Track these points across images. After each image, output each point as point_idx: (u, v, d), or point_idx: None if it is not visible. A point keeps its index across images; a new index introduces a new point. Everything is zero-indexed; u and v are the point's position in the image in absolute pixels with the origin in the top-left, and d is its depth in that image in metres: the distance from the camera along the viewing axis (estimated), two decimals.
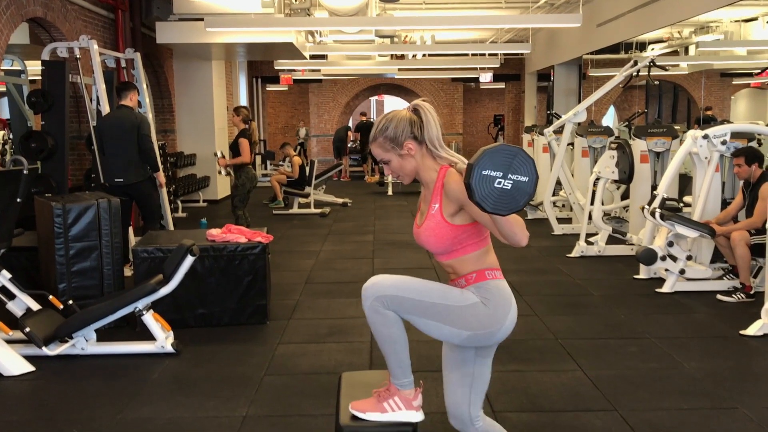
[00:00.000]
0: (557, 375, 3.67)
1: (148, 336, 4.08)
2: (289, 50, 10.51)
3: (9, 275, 4.32)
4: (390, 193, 13.20)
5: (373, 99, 28.07)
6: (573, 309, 4.97)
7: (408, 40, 14.64)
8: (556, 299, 5.24)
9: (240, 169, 7.08)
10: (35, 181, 6.72)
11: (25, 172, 4.03)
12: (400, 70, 15.76)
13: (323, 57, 14.89)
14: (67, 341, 3.98)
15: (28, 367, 3.78)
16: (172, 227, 8.17)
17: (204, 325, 4.59)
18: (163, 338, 4.03)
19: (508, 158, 1.88)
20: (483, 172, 1.87)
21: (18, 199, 4.05)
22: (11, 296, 4.31)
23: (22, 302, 4.31)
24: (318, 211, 10.28)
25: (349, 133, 17.08)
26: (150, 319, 4.04)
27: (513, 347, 4.11)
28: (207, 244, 4.60)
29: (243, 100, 16.88)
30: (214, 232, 4.73)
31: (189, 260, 3.97)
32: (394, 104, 29.27)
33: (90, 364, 3.91)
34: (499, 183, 1.87)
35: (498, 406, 3.30)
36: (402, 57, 15.99)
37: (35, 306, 4.32)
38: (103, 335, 4.22)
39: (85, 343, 4.02)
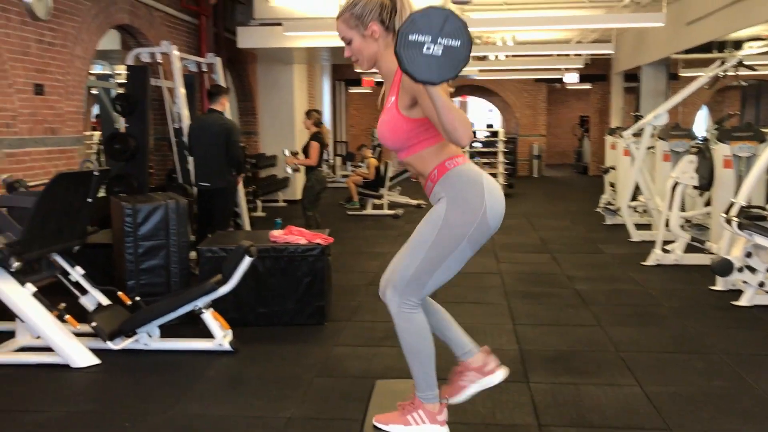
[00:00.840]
0: (613, 390, 3.54)
1: (209, 334, 4.19)
2: None
3: (82, 271, 4.55)
4: None
5: (457, 100, 27.91)
6: (640, 320, 4.78)
7: (489, 41, 14.49)
8: (624, 309, 5.05)
9: (310, 172, 7.19)
10: (117, 180, 7.05)
11: (95, 173, 4.23)
12: (481, 71, 15.59)
13: None
14: (131, 336, 4.14)
15: (94, 360, 3.96)
16: (248, 227, 8.39)
17: (264, 324, 4.69)
18: (221, 336, 4.13)
19: (436, 21, 1.75)
20: (410, 38, 1.74)
21: (89, 200, 4.25)
22: (84, 291, 4.55)
23: (94, 297, 4.54)
24: (391, 212, 10.31)
25: None
26: (209, 318, 4.16)
27: (570, 359, 3.99)
28: (268, 245, 4.69)
29: (326, 103, 17.16)
30: (276, 234, 4.82)
31: (247, 261, 4.06)
32: (478, 105, 29.01)
33: (151, 359, 4.06)
34: (429, 48, 1.73)
35: (546, 419, 3.20)
36: (483, 58, 15.83)
37: (105, 301, 4.54)
38: (168, 331, 4.37)
39: (148, 338, 4.17)
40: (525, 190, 14.34)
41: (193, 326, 4.52)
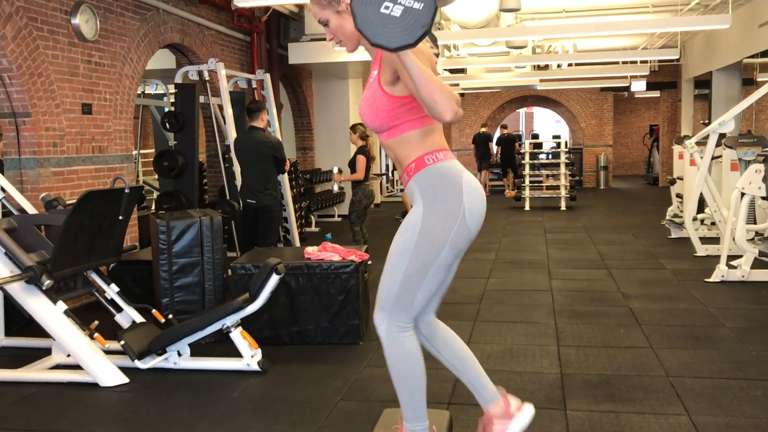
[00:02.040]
0: (657, 419, 3.26)
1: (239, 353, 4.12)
2: None
3: (117, 289, 4.56)
4: (527, 208, 12.76)
5: (522, 111, 27.46)
6: (696, 342, 4.44)
7: (551, 50, 14.16)
8: (679, 330, 4.72)
9: (357, 186, 7.09)
10: (167, 197, 7.13)
11: (126, 191, 4.23)
12: (542, 81, 15.24)
13: (462, 71, 14.75)
14: (161, 355, 4.10)
15: (123, 379, 3.93)
16: (297, 242, 8.36)
17: (298, 343, 4.59)
18: (249, 356, 4.05)
19: None
20: None
21: (120, 217, 4.25)
22: (119, 309, 4.55)
23: (128, 315, 4.54)
24: None
25: (490, 145, 16.70)
26: (238, 337, 4.08)
27: (614, 384, 3.72)
28: (302, 262, 4.60)
29: None
30: (310, 250, 4.73)
31: (274, 279, 3.96)
32: (544, 116, 28.47)
33: (179, 379, 4.01)
34: (387, 8, 1.57)
35: None
36: (546, 67, 15.49)
37: (139, 319, 4.53)
38: (201, 349, 4.33)
39: (178, 357, 4.12)
40: (589, 203, 13.88)
41: (228, 345, 4.46)
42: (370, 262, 7.21)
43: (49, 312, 3.95)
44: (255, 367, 4.04)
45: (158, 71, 9.52)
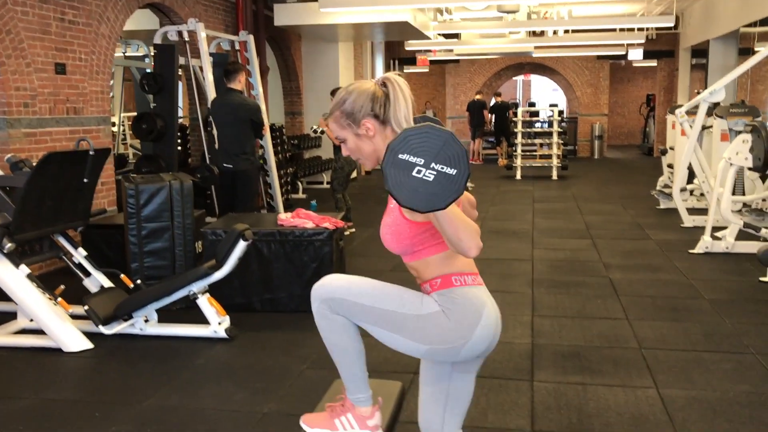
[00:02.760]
0: (625, 392, 3.20)
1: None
2: (409, 30, 10.27)
3: (85, 253, 4.47)
4: (518, 177, 12.65)
5: (519, 79, 27.15)
6: (673, 314, 4.37)
7: (547, 16, 13.91)
8: (658, 302, 4.65)
9: (338, 152, 6.97)
10: (146, 161, 7.01)
11: (91, 153, 4.11)
12: (537, 48, 15.00)
13: (456, 36, 14.51)
14: (126, 320, 4.02)
15: (87, 345, 3.86)
16: (282, 209, 8.25)
17: (270, 310, 4.52)
18: (216, 323, 3.98)
19: (434, 143, 1.52)
20: (400, 156, 1.52)
21: (85, 180, 4.14)
22: (87, 273, 4.47)
23: (97, 280, 4.46)
24: None
25: (485, 112, 16.52)
26: (205, 303, 4.00)
27: (584, 355, 3.66)
28: (274, 228, 4.50)
29: None
30: (283, 217, 4.63)
31: (242, 245, 3.87)
32: (542, 85, 28.18)
33: (145, 345, 3.94)
34: (419, 172, 1.52)
35: (541, 424, 2.91)
36: (541, 34, 15.22)
37: (108, 284, 4.45)
38: (169, 316, 4.25)
39: (144, 323, 4.05)
40: (581, 172, 13.76)
41: (198, 312, 4.38)
42: (351, 231, 7.16)
43: (11, 276, 3.86)
44: (222, 334, 3.97)
45: (143, 32, 9.32)
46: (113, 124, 9.76)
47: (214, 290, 4.21)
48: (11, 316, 4.28)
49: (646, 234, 7.06)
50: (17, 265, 3.89)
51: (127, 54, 10.11)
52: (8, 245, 3.81)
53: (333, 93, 6.94)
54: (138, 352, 3.84)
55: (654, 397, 3.14)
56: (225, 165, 5.95)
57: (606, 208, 8.87)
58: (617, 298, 4.72)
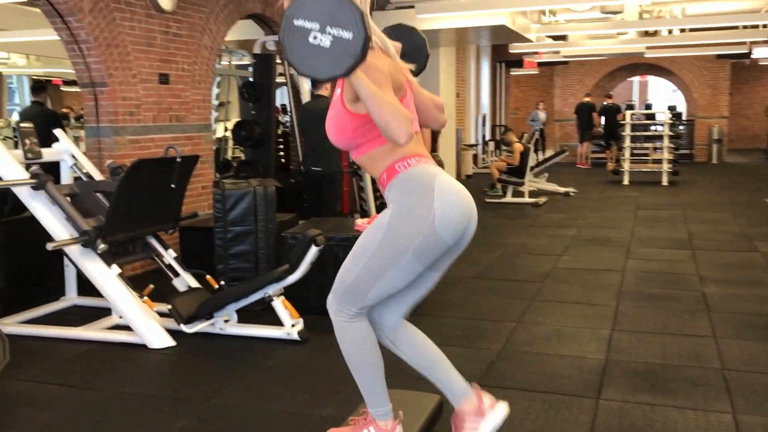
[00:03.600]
0: (696, 415, 3.02)
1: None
2: (510, 33, 10.13)
3: (174, 254, 4.72)
4: (625, 182, 12.18)
5: (635, 80, 26.09)
6: (767, 334, 4.09)
7: (660, 14, 13.30)
8: (752, 320, 4.36)
9: None
10: (245, 166, 7.30)
11: (178, 160, 4.34)
12: (648, 48, 14.36)
13: (562, 38, 14.16)
14: (208, 320, 4.22)
15: (170, 342, 4.07)
16: (374, 213, 8.36)
17: None
18: (289, 325, 4.10)
19: (326, 6, 1.51)
20: (295, 22, 1.52)
21: (173, 185, 4.38)
22: (176, 274, 4.72)
23: (185, 280, 4.70)
24: (531, 200, 9.81)
25: (594, 115, 16.00)
26: (279, 306, 4.13)
27: (659, 374, 3.49)
28: (350, 234, 4.58)
29: (484, 86, 16.77)
30: (360, 222, 4.70)
31: (313, 250, 3.96)
32: (660, 86, 26.93)
33: (223, 345, 4.11)
34: (315, 38, 1.51)
35: None
36: (654, 34, 14.57)
37: (195, 284, 4.68)
38: (252, 316, 4.40)
39: (224, 323, 4.23)
40: (695, 178, 13.07)
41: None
42: None
43: (103, 275, 4.14)
44: (295, 336, 4.08)
45: (249, 42, 9.70)
46: (226, 130, 10.23)
47: (291, 293, 4.34)
48: (107, 311, 4.59)
49: (754, 246, 6.61)
50: (109, 265, 4.16)
51: (231, 62, 10.57)
52: (101, 246, 4.09)
53: None
54: (215, 351, 4.02)
55: (728, 422, 2.95)
56: (313, 168, 6.11)
57: (714, 217, 8.38)
58: (707, 314, 4.46)
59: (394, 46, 2.04)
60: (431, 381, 2.32)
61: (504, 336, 4.12)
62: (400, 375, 2.79)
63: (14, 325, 4.41)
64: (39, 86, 7.50)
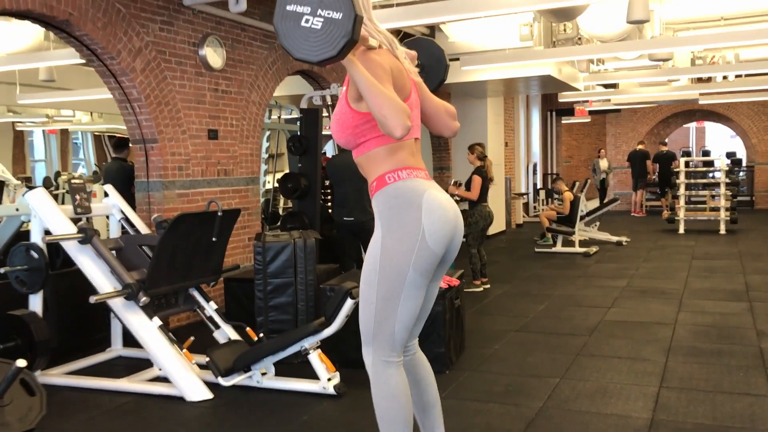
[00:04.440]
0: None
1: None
2: (557, 83, 10.10)
3: (215, 306, 4.77)
4: (681, 231, 11.85)
5: (691, 126, 25.62)
6: None
7: (715, 60, 13.10)
8: None
9: (473, 207, 6.96)
10: (291, 217, 7.38)
11: (219, 214, 4.42)
12: (702, 95, 14.11)
13: (614, 86, 14.05)
14: (246, 372, 4.22)
15: (207, 395, 4.08)
16: None
17: None
18: (325, 379, 4.06)
19: None
20: (288, 8, 1.56)
21: (213, 239, 4.45)
22: (217, 326, 4.76)
23: (225, 332, 4.73)
24: (582, 250, 9.61)
25: (648, 162, 15.71)
26: (315, 359, 4.11)
27: (696, 342, 3.31)
28: None
29: (535, 135, 16.71)
30: None
31: (349, 303, 3.95)
32: (718, 132, 26.38)
33: (259, 398, 4.10)
34: (307, 21, 1.54)
35: None
36: (708, 80, 14.34)
37: (235, 336, 4.70)
38: (289, 369, 4.38)
39: (261, 376, 4.22)
40: (754, 226, 12.63)
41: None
42: (485, 287, 7.02)
43: (144, 327, 4.21)
44: (331, 390, 4.04)
45: (297, 97, 9.94)
46: (276, 182, 10.42)
47: (329, 346, 4.32)
48: (150, 363, 4.65)
49: None
50: (151, 317, 4.23)
51: (281, 117, 10.82)
52: (143, 299, 4.17)
53: (470, 148, 7.03)
54: (251, 405, 4.01)
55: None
56: (345, 219, 6.22)
57: None
58: (764, 371, 4.24)
59: (408, 54, 2.09)
60: (419, 424, 2.31)
61: (546, 393, 4.00)
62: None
63: (59, 375, 4.50)
64: (122, 143, 7.68)
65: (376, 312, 1.99)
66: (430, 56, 2.33)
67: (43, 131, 14.73)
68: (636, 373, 4.31)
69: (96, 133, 15.10)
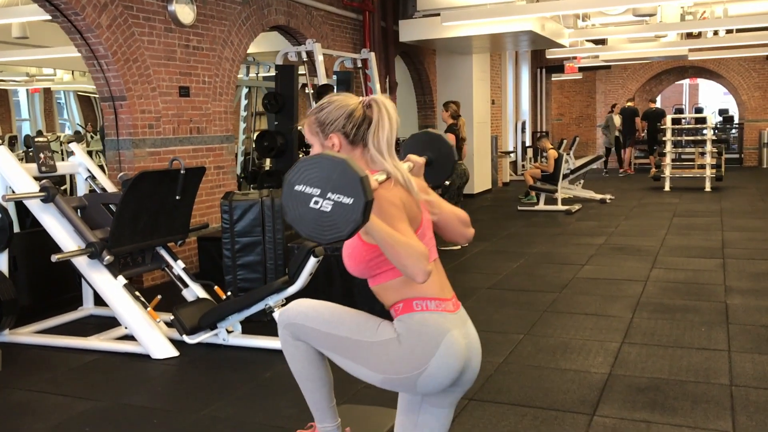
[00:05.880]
0: None
1: None
2: (540, 39, 9.97)
3: (183, 265, 4.77)
4: (666, 189, 11.85)
5: (685, 83, 25.44)
6: None
7: (705, 16, 12.93)
8: None
9: None
10: (268, 176, 7.35)
11: (182, 172, 4.38)
12: (691, 50, 13.97)
13: (602, 42, 13.90)
14: (212, 330, 4.23)
15: (173, 352, 4.11)
16: None
17: None
18: None
19: (328, 172, 1.49)
20: (296, 188, 1.51)
21: (177, 197, 4.42)
22: (185, 284, 4.76)
23: (193, 291, 4.74)
24: (564, 208, 9.61)
25: (637, 120, 15.60)
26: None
27: (662, 389, 3.35)
28: None
29: (524, 92, 16.57)
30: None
31: (312, 261, 3.94)
32: (711, 89, 26.20)
33: (224, 355, 4.12)
34: (317, 203, 1.49)
35: None
36: (698, 35, 14.17)
37: (203, 295, 4.71)
38: (259, 327, 4.40)
39: (227, 334, 4.24)
40: (740, 183, 12.63)
41: None
42: (461, 247, 7.02)
43: (108, 285, 4.21)
44: None
45: (269, 53, 9.82)
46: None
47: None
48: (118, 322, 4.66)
49: None
50: (115, 276, 4.23)
51: (260, 74, 10.69)
52: (107, 257, 4.16)
53: (445, 105, 6.95)
54: (216, 362, 4.03)
55: None
56: None
57: (753, 224, 8.07)
58: (725, 327, 4.27)
59: (416, 162, 2.03)
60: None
61: (508, 349, 4.02)
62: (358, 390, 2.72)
63: (28, 334, 4.51)
64: None
65: (319, 329, 1.92)
66: (439, 152, 2.29)
67: (27, 90, 14.57)
68: (600, 329, 4.33)
69: (80, 93, 14.93)
